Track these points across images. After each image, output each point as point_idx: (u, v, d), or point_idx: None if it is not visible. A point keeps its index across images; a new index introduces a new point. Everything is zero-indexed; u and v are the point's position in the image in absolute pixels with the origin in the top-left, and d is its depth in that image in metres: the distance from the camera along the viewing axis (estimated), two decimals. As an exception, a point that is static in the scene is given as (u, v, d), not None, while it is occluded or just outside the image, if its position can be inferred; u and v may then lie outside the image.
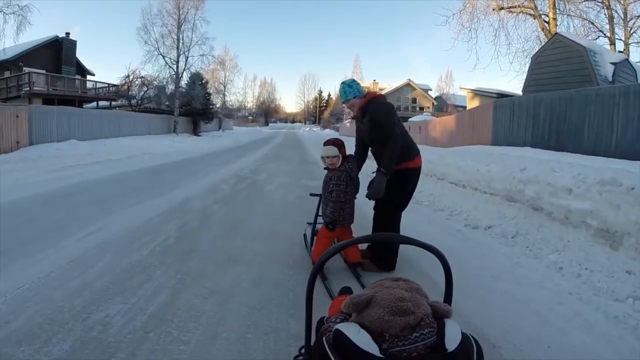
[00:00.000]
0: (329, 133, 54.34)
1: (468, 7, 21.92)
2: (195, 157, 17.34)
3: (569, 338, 2.84)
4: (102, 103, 34.23)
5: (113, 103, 34.98)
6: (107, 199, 7.35)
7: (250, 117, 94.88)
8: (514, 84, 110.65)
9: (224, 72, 54.63)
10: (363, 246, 4.25)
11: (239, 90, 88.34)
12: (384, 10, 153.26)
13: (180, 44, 33.31)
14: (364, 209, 4.75)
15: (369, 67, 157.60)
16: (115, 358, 2.45)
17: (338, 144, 3.89)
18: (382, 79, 69.24)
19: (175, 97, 33.35)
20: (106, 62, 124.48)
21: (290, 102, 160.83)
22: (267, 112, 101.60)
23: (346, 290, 2.52)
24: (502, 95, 23.14)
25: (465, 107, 51.16)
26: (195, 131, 36.56)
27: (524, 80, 17.31)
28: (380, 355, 1.06)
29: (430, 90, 65.22)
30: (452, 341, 1.11)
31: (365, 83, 67.51)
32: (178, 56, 33.39)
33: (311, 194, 4.69)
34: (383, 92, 62.57)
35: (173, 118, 33.03)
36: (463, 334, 1.16)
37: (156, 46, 32.84)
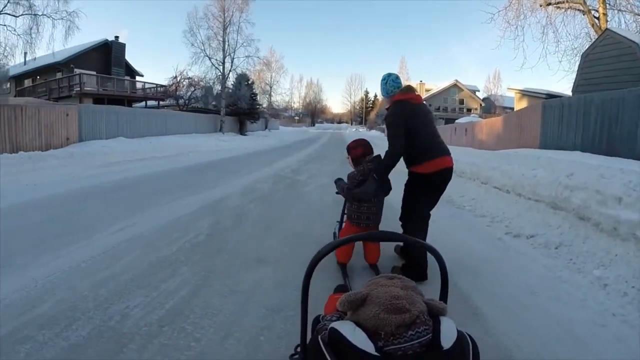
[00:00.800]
0: (375, 134, 54.02)
1: (514, 3, 21.08)
2: (239, 156, 17.64)
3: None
4: (151, 103, 35.39)
5: (161, 103, 36.05)
6: (146, 195, 7.55)
7: (296, 118, 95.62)
8: (563, 83, 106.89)
9: (270, 73, 55.15)
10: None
11: (285, 91, 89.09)
12: (429, 9, 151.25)
13: (226, 46, 34.16)
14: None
15: (416, 68, 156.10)
16: (127, 349, 2.53)
17: (349, 146, 4.14)
18: (429, 80, 68.24)
19: (222, 97, 34.15)
20: (155, 64, 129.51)
21: (337, 102, 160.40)
22: (313, 113, 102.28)
23: (342, 289, 2.49)
24: (551, 96, 22.31)
25: (513, 109, 50.04)
26: (242, 130, 37.28)
27: (573, 80, 16.53)
28: (376, 354, 1.06)
29: (478, 91, 64.01)
30: (447, 339, 1.11)
31: (412, 84, 66.52)
32: (224, 58, 34.22)
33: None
34: (430, 93, 62.32)
35: (219, 117, 33.83)
36: (459, 331, 1.16)
37: (202, 48, 33.88)
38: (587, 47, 17.22)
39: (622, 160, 8.17)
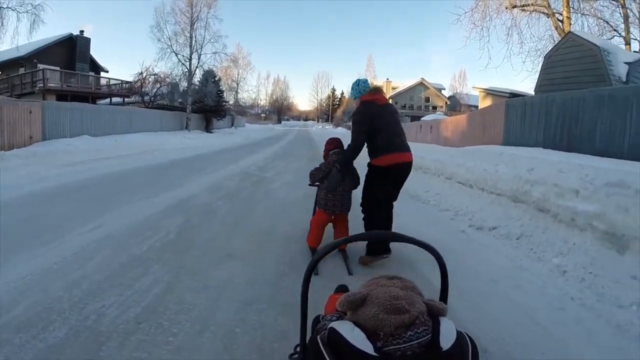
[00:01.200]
0: (341, 131, 54.17)
1: (480, 5, 21.55)
2: (205, 154, 17.41)
3: (567, 348, 2.73)
4: (117, 100, 34.59)
5: (126, 100, 35.21)
6: (113, 194, 7.38)
7: (263, 115, 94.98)
8: (526, 83, 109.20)
9: (237, 70, 54.46)
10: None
11: (252, 88, 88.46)
12: (399, 9, 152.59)
13: (193, 42, 33.38)
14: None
15: (383, 66, 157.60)
16: (105, 346, 2.53)
17: (337, 141, 4.62)
18: (396, 78, 68.86)
19: (188, 94, 33.37)
20: (120, 60, 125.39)
21: (304, 100, 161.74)
22: (280, 110, 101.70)
23: (342, 289, 2.50)
24: (514, 95, 22.83)
25: (477, 107, 50.72)
26: (208, 128, 36.71)
27: (536, 80, 16.96)
28: (375, 354, 1.06)
29: (444, 89, 65.05)
30: (447, 339, 1.11)
31: (378, 82, 67.28)
32: (191, 54, 33.44)
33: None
34: (396, 91, 62.95)
35: (186, 115, 33.12)
36: (458, 332, 1.15)
37: (169, 44, 32.92)
38: (550, 48, 17.72)
39: (581, 156, 8.47)
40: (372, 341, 1.08)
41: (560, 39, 17.25)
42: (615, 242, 4.20)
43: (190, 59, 33.54)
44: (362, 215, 4.42)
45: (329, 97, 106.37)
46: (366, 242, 4.22)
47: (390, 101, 63.41)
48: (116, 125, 22.28)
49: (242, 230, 5.38)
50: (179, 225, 5.45)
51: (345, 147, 4.46)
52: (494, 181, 6.79)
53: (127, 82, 34.95)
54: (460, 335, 1.15)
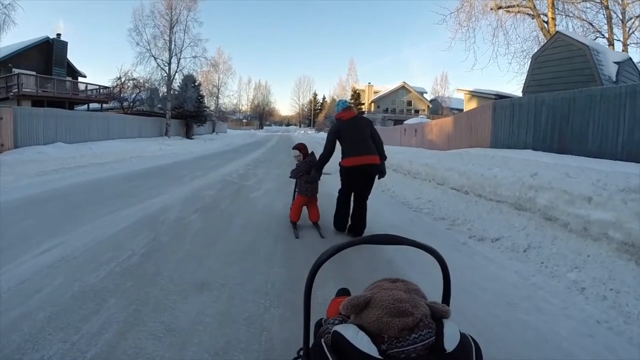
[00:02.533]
0: (323, 135, 53.72)
1: (466, 5, 21.31)
2: (184, 161, 16.88)
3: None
4: (94, 105, 33.62)
5: (105, 105, 34.29)
6: (81, 207, 6.80)
7: (244, 120, 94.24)
8: (512, 85, 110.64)
9: (217, 75, 53.48)
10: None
11: (233, 93, 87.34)
12: (379, 13, 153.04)
13: (173, 46, 32.48)
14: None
15: (365, 70, 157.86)
16: None
17: (299, 147, 6.14)
18: (377, 82, 68.83)
19: (167, 99, 32.45)
20: (100, 64, 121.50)
21: (285, 105, 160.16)
22: (261, 115, 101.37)
23: (344, 292, 2.35)
24: (500, 97, 22.69)
25: (461, 110, 51.16)
26: (188, 134, 35.92)
27: (523, 81, 16.77)
28: (380, 357, 1.05)
29: (426, 93, 65.33)
30: (451, 342, 1.09)
31: (360, 86, 67.41)
32: (170, 58, 32.51)
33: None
34: (378, 94, 63.13)
35: (165, 121, 32.24)
36: (462, 334, 1.14)
37: (148, 48, 31.85)
38: (536, 49, 17.58)
39: (575, 157, 8.20)
40: (377, 344, 1.07)
41: (546, 40, 17.11)
42: (634, 254, 3.84)
43: (169, 63, 32.63)
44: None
45: (310, 101, 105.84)
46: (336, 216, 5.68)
47: (372, 105, 64.39)
48: (92, 131, 21.55)
49: (219, 252, 4.75)
50: (146, 245, 4.84)
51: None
52: (492, 187, 6.40)
53: (105, 88, 34.01)
54: (463, 337, 1.14)
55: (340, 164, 5.48)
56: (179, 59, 33.27)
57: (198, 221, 6.21)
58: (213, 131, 48.48)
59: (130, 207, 6.86)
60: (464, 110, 24.24)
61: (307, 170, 5.84)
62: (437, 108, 59.01)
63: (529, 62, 16.96)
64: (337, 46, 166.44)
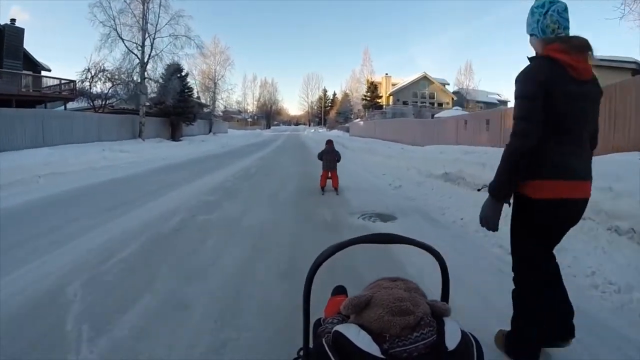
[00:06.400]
0: (338, 133, 47.75)
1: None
2: (135, 176, 11.11)
3: None
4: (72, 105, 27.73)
5: (73, 105, 28.07)
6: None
7: (250, 120, 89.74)
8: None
9: (210, 64, 45.92)
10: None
11: (232, 87, 79.50)
12: (391, 6, 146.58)
13: (145, 23, 25.55)
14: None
15: (380, 62, 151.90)
16: None
17: (329, 141, 9.13)
18: (394, 74, 62.57)
19: (139, 90, 25.28)
20: (69, 56, 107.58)
21: (294, 105, 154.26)
22: (269, 114, 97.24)
23: (340, 290, 2.18)
24: None
25: (487, 103, 45.04)
26: (175, 135, 29.30)
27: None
28: (382, 356, 1.02)
29: (448, 84, 59.23)
30: (452, 340, 1.07)
31: (377, 77, 61.04)
32: (143, 39, 25.52)
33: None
34: (397, 86, 56.75)
35: (139, 119, 25.54)
36: (462, 332, 1.11)
37: (114, 26, 24.67)
38: None
39: None
40: (378, 343, 1.03)
41: None
42: None
43: (142, 46, 25.66)
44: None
45: (320, 98, 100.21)
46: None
47: (390, 98, 57.69)
48: (17, 136, 15.61)
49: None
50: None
51: None
52: None
53: (70, 82, 27.73)
54: (464, 335, 1.10)
55: (524, 193, 2.22)
56: (154, 39, 26.43)
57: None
58: (210, 131, 42.02)
59: None
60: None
61: (332, 153, 8.67)
62: (461, 101, 53.67)
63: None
64: (347, 39, 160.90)
